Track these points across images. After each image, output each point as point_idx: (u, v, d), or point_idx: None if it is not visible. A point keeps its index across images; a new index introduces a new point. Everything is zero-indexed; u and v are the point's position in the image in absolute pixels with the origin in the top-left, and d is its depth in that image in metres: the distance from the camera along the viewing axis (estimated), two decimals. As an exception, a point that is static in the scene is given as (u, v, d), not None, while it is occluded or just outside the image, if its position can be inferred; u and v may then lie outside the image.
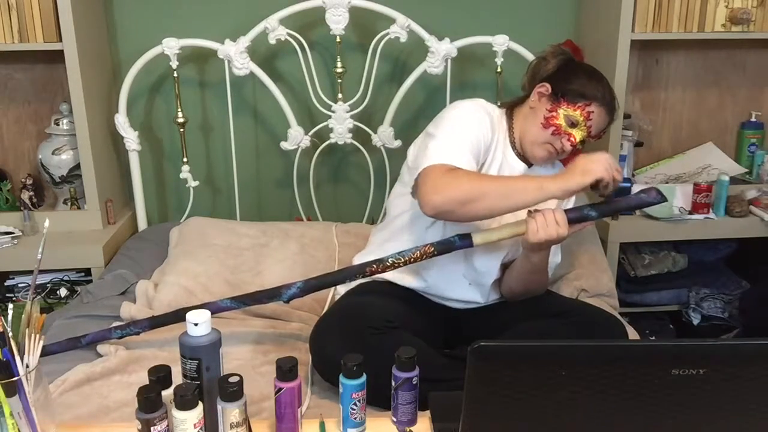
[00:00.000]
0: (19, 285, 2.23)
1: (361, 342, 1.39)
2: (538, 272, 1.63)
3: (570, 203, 1.67)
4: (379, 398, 1.26)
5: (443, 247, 1.52)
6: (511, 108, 1.69)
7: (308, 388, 1.51)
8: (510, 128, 1.66)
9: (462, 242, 1.51)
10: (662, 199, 1.49)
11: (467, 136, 1.52)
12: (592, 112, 1.57)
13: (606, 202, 1.51)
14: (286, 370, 1.12)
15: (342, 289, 1.72)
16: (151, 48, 2.21)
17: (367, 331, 1.43)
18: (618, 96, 2.21)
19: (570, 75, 1.61)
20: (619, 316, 1.92)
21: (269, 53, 2.36)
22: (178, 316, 1.61)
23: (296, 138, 2.33)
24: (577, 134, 1.57)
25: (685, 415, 0.95)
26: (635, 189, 2.27)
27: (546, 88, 1.61)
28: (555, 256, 1.75)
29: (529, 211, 1.49)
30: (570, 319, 1.59)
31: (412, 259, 1.52)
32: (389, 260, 1.53)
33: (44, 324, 1.09)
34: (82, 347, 1.67)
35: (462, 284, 1.66)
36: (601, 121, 1.60)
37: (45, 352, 1.06)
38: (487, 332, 1.61)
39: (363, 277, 1.57)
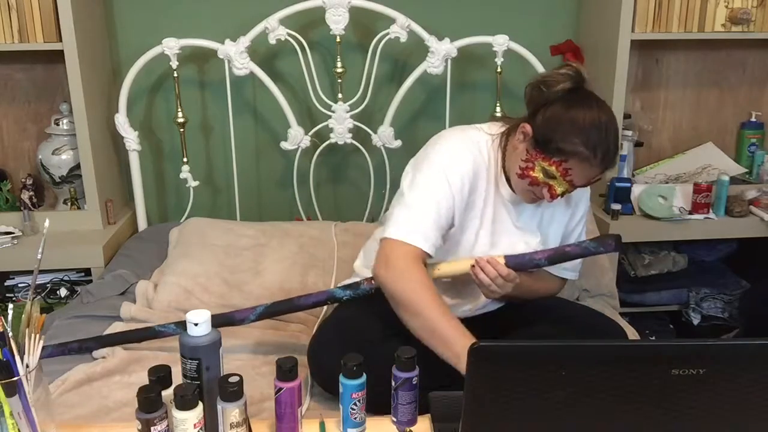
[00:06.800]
0: (19, 285, 2.22)
1: (360, 354, 1.38)
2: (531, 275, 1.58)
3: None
4: (380, 406, 1.25)
5: None
6: (507, 133, 1.51)
7: (308, 389, 1.51)
8: (504, 156, 1.50)
9: None
10: (617, 248, 1.44)
11: (436, 204, 1.43)
12: (570, 169, 1.37)
13: (558, 250, 1.47)
14: (286, 369, 1.13)
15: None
16: (151, 48, 2.21)
17: (366, 344, 1.41)
18: (618, 96, 2.26)
19: (553, 122, 1.38)
20: (620, 317, 1.92)
21: (269, 53, 2.36)
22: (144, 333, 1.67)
23: (296, 138, 2.33)
24: (558, 187, 1.40)
25: (685, 415, 0.95)
26: (634, 191, 2.31)
27: (528, 129, 1.41)
28: (573, 272, 1.68)
29: (474, 264, 1.44)
30: (570, 326, 1.56)
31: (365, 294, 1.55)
32: (343, 297, 1.56)
33: (44, 324, 1.09)
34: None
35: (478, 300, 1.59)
36: (587, 175, 1.40)
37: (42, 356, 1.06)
38: (487, 336, 1.59)
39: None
